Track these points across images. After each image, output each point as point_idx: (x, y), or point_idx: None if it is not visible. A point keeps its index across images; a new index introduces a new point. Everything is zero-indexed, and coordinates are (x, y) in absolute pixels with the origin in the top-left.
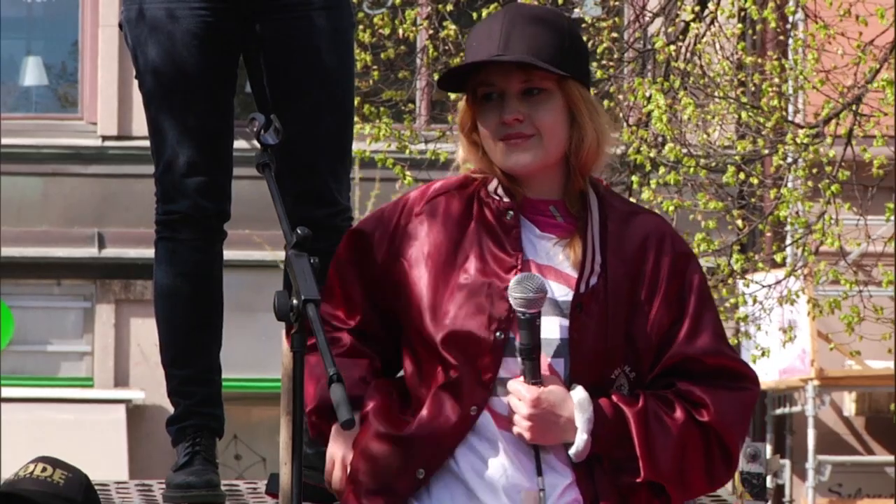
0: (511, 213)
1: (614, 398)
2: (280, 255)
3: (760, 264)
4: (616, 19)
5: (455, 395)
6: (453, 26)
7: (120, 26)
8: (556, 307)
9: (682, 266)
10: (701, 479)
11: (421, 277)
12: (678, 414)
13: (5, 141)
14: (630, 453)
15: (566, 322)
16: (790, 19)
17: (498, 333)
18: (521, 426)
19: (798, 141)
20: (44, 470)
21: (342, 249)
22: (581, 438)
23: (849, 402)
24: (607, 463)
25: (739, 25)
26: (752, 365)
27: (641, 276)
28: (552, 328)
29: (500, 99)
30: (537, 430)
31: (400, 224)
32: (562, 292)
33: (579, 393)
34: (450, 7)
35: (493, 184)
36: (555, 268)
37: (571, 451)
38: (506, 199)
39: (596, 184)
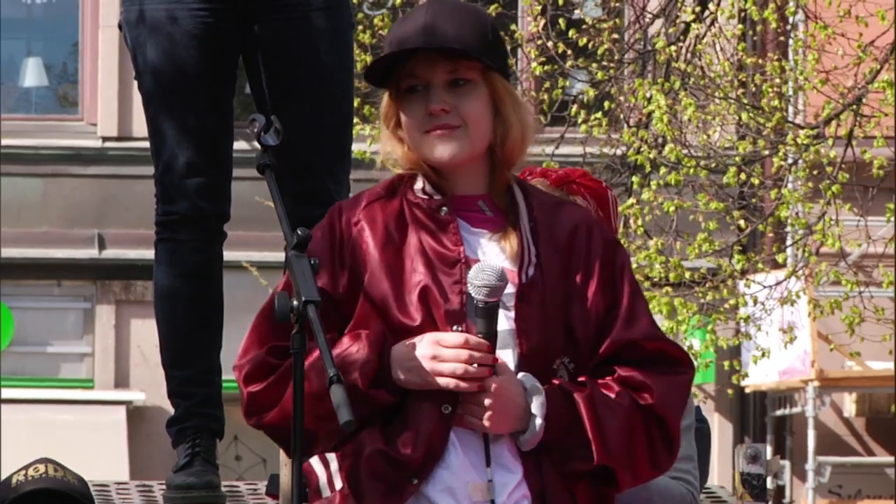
0: (445, 208)
1: (561, 384)
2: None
3: (761, 265)
4: (616, 20)
5: (425, 398)
6: None
7: (119, 27)
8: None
9: (611, 253)
10: (646, 463)
11: (378, 287)
12: (623, 398)
13: (5, 142)
14: (581, 439)
15: (510, 314)
16: (790, 20)
17: (455, 328)
18: (481, 416)
19: (798, 142)
20: (56, 470)
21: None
22: (536, 423)
23: (849, 403)
24: (557, 454)
25: (740, 26)
26: (752, 366)
27: (574, 265)
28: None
29: (426, 90)
30: (497, 419)
31: (343, 239)
32: None
33: (530, 379)
34: None
35: (419, 183)
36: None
37: (525, 437)
38: (436, 196)
39: (518, 177)
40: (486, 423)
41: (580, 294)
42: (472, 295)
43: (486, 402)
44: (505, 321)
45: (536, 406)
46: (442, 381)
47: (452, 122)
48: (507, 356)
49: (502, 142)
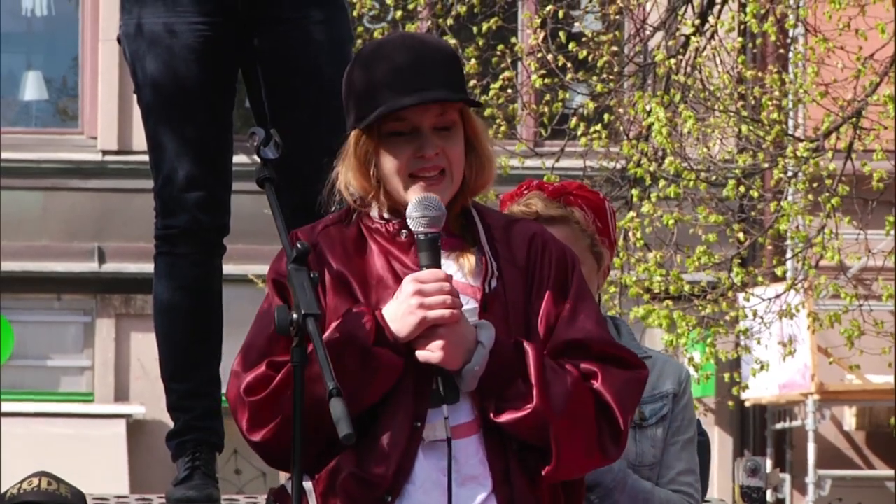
0: (405, 231)
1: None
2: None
3: (760, 278)
4: (616, 33)
5: (395, 416)
6: (453, 40)
7: (119, 41)
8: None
9: (563, 264)
10: (592, 444)
11: (345, 304)
12: (572, 372)
13: (5, 155)
14: (524, 391)
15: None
16: (790, 33)
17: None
18: (433, 347)
19: (798, 154)
20: (49, 483)
21: (273, 299)
22: (481, 353)
23: (849, 417)
24: (495, 401)
25: (740, 39)
26: (751, 379)
27: (532, 280)
28: None
29: (412, 134)
30: (450, 351)
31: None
32: (462, 301)
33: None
34: (450, 21)
35: (375, 210)
36: (454, 281)
37: (468, 367)
38: (394, 221)
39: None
40: (439, 354)
41: (536, 307)
42: (413, 228)
43: (440, 332)
44: None
45: (485, 337)
46: (434, 314)
47: (441, 164)
48: None
49: (478, 174)
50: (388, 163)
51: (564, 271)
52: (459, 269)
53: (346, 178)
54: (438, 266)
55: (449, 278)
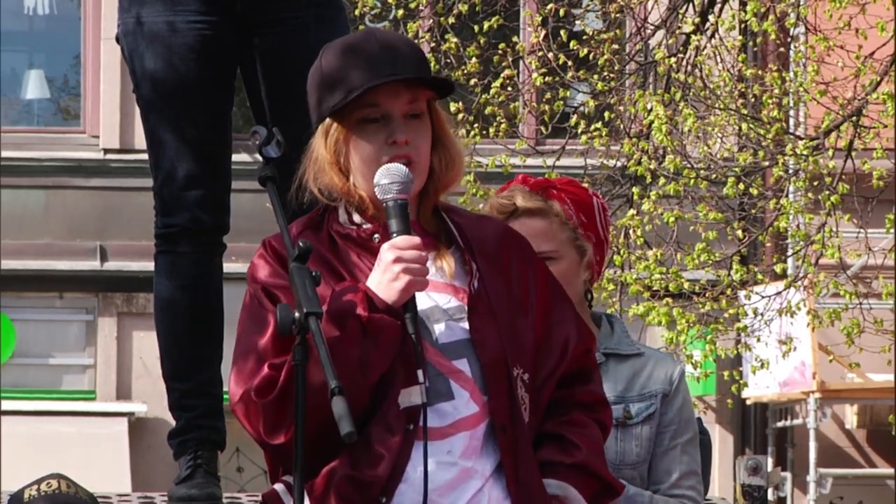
0: (377, 235)
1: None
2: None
3: (760, 276)
4: (617, 31)
5: (388, 419)
6: (455, 39)
7: (117, 40)
8: (443, 313)
9: (537, 259)
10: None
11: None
12: (592, 425)
13: (7, 154)
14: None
15: (464, 325)
16: (790, 32)
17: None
18: None
19: (798, 152)
20: (68, 487)
21: (261, 303)
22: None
23: (850, 415)
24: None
25: (740, 38)
26: (752, 377)
27: (510, 275)
28: (449, 332)
29: (383, 121)
30: None
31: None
32: (444, 300)
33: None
34: (451, 20)
35: (343, 214)
36: (432, 281)
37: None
38: (366, 226)
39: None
40: None
41: (520, 301)
42: (380, 196)
43: None
44: (461, 332)
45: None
46: (419, 278)
47: (412, 156)
48: (464, 365)
49: (447, 168)
50: (360, 151)
51: (540, 267)
52: (438, 271)
53: (314, 171)
54: (409, 231)
55: (421, 243)
